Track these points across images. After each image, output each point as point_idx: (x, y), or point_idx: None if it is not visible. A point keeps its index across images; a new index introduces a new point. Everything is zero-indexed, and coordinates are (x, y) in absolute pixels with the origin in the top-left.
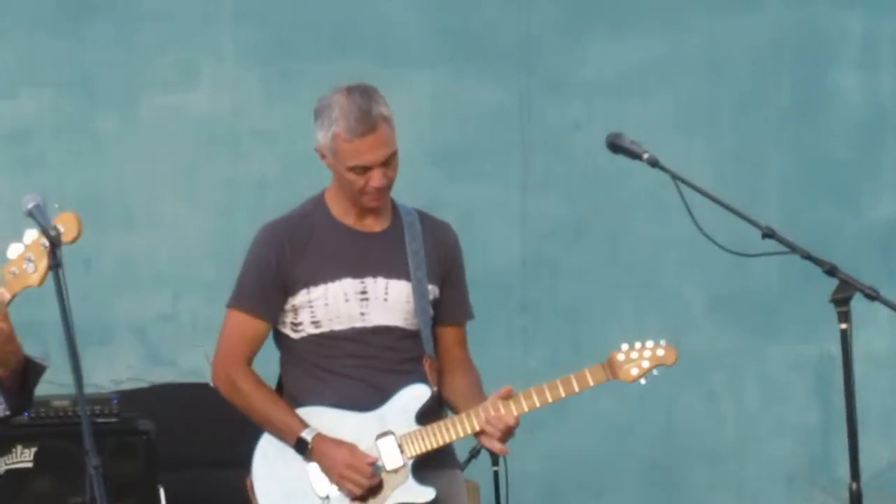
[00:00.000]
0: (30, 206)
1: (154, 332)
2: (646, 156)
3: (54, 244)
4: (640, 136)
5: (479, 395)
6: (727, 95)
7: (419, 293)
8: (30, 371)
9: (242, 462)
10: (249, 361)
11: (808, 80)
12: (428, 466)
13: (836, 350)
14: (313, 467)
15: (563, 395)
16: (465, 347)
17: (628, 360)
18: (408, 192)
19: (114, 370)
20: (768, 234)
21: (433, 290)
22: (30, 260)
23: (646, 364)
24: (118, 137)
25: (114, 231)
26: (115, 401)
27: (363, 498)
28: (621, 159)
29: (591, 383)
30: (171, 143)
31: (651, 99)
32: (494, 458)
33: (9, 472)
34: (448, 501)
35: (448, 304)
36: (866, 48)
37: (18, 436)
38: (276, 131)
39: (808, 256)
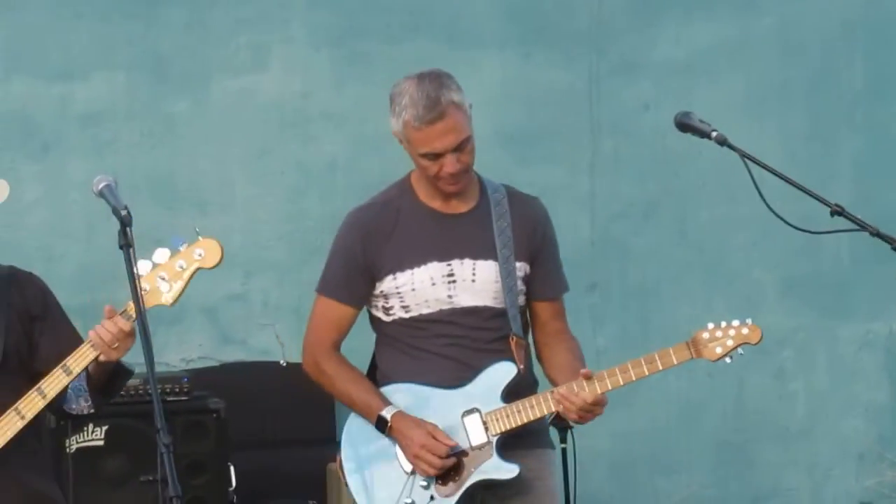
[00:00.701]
0: (101, 186)
1: (225, 312)
2: (714, 134)
3: (125, 224)
4: (710, 117)
5: (577, 370)
6: (798, 76)
7: (506, 272)
8: (119, 374)
9: (312, 441)
10: (337, 345)
11: (879, 60)
12: (519, 445)
13: None
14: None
15: (646, 373)
16: (563, 320)
17: (713, 339)
18: (479, 173)
19: (185, 349)
20: (837, 211)
21: (523, 268)
22: (163, 279)
23: (730, 343)
24: (190, 120)
25: (185, 212)
26: (186, 380)
27: (444, 476)
28: (690, 140)
29: (675, 362)
30: (242, 126)
31: (721, 80)
32: (562, 436)
33: (80, 450)
34: (537, 481)
35: (540, 280)
36: None
37: (90, 414)
38: (346, 113)
39: (877, 233)
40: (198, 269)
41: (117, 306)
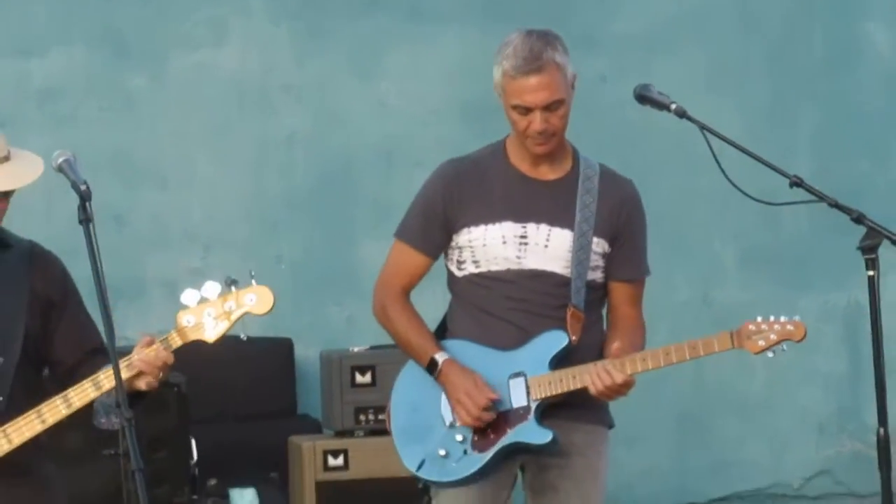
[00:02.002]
0: (60, 160)
1: (185, 287)
2: (673, 107)
3: (85, 199)
4: (669, 90)
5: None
6: (757, 49)
7: (580, 244)
8: (141, 401)
9: (273, 415)
10: (406, 291)
11: (839, 32)
12: (572, 418)
13: (864, 298)
14: (445, 397)
15: (687, 358)
16: (636, 306)
17: (758, 332)
18: (437, 148)
19: (145, 324)
20: (796, 182)
21: (600, 244)
22: (210, 315)
23: (773, 337)
24: (149, 95)
25: (145, 188)
26: None
27: (484, 430)
28: (649, 112)
29: (717, 349)
30: (201, 101)
31: (680, 53)
32: None
33: None
34: (579, 456)
35: (618, 259)
36: None
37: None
38: (306, 87)
39: (835, 205)
40: (246, 313)
41: (78, 282)
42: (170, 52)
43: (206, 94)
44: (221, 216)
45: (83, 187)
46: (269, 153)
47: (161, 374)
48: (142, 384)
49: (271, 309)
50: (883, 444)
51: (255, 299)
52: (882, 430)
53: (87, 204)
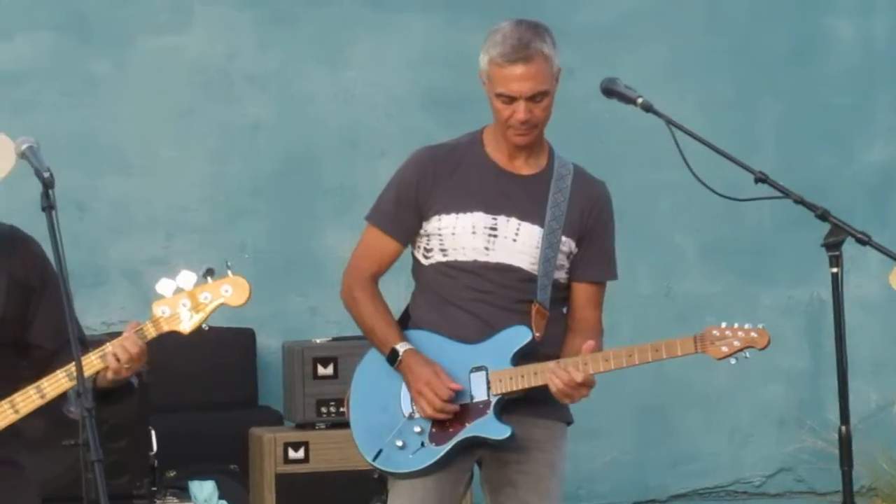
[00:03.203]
0: (23, 147)
1: (147, 275)
2: (640, 100)
3: (48, 186)
4: (634, 83)
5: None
6: (722, 42)
7: (549, 241)
8: (121, 391)
9: (234, 405)
10: (374, 277)
11: (803, 26)
12: (532, 413)
13: (827, 294)
14: (405, 388)
15: (649, 360)
16: (597, 310)
17: (721, 338)
18: (401, 136)
19: (106, 313)
20: (761, 178)
21: (568, 243)
22: (185, 306)
23: (737, 343)
24: (112, 81)
25: (107, 174)
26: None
27: (443, 422)
28: (615, 105)
29: (680, 353)
30: (164, 87)
31: (645, 46)
32: None
33: None
34: (538, 451)
35: (584, 260)
36: None
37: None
38: (270, 75)
39: (800, 201)
40: (222, 304)
41: None
42: (134, 38)
43: (169, 81)
44: (184, 204)
45: (46, 174)
46: (232, 140)
47: (130, 366)
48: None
49: (248, 300)
50: (845, 442)
51: (231, 290)
52: (844, 428)
53: (51, 191)
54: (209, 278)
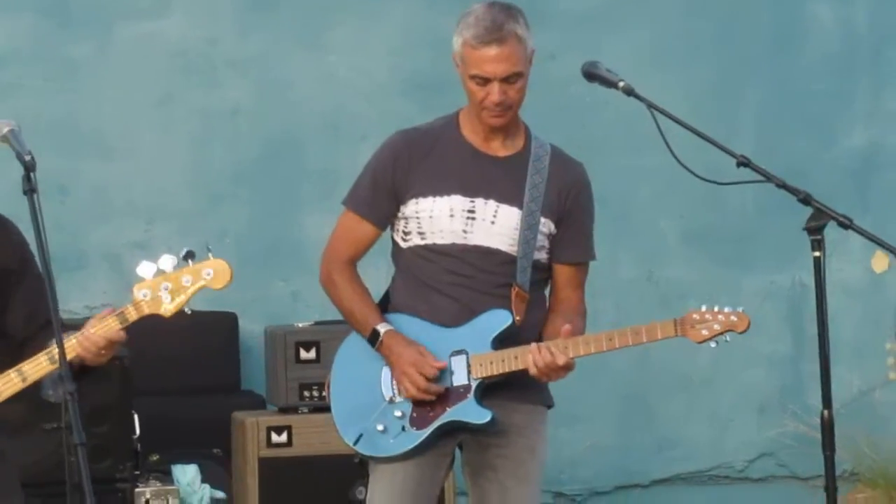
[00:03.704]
0: (4, 130)
1: (128, 259)
2: (621, 84)
3: (29, 169)
4: (616, 67)
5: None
6: (703, 27)
7: (528, 223)
8: (98, 370)
9: (217, 389)
10: (352, 261)
11: (784, 11)
12: (513, 398)
13: (809, 279)
14: (386, 372)
15: (630, 343)
16: (579, 290)
17: (702, 321)
18: (382, 120)
19: (88, 296)
20: (743, 162)
21: (547, 224)
22: (166, 289)
23: (717, 327)
24: (93, 65)
25: (88, 158)
26: None
27: (423, 406)
28: (596, 89)
29: (660, 337)
30: (145, 72)
31: (627, 30)
32: None
33: None
34: (518, 436)
35: (563, 242)
36: None
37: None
38: (251, 60)
39: (782, 185)
40: (203, 287)
41: None
42: (114, 22)
43: (150, 65)
44: (165, 188)
45: (27, 158)
46: (213, 125)
47: (105, 352)
48: (90, 358)
49: (229, 283)
50: (827, 426)
51: (213, 273)
52: (826, 413)
53: (32, 174)
54: (190, 261)
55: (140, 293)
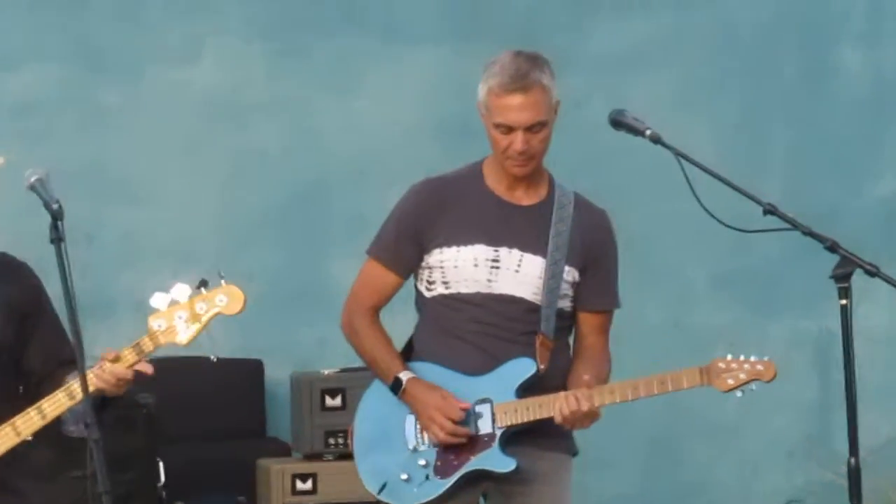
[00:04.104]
0: (32, 179)
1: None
2: (648, 132)
3: (56, 218)
4: (643, 111)
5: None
6: (731, 71)
7: (552, 272)
8: (115, 403)
9: (242, 436)
10: (375, 309)
11: (812, 55)
12: (537, 446)
13: (836, 326)
14: (410, 420)
15: (655, 392)
16: (603, 336)
17: (728, 370)
18: (410, 166)
19: (114, 343)
20: (770, 210)
21: (571, 272)
22: (181, 318)
23: (742, 376)
24: (122, 111)
25: (116, 205)
26: None
27: (447, 455)
28: (624, 136)
29: (686, 386)
30: (174, 118)
31: (654, 74)
32: None
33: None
34: (543, 485)
35: (588, 289)
36: (870, 22)
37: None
38: (279, 105)
39: (809, 233)
40: (218, 314)
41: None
42: (145, 68)
43: (179, 111)
44: (193, 233)
45: (55, 206)
46: (241, 171)
47: (126, 384)
48: (109, 389)
49: (242, 308)
50: (854, 474)
51: (226, 300)
52: (853, 460)
53: (59, 223)
54: (203, 289)
55: (155, 324)
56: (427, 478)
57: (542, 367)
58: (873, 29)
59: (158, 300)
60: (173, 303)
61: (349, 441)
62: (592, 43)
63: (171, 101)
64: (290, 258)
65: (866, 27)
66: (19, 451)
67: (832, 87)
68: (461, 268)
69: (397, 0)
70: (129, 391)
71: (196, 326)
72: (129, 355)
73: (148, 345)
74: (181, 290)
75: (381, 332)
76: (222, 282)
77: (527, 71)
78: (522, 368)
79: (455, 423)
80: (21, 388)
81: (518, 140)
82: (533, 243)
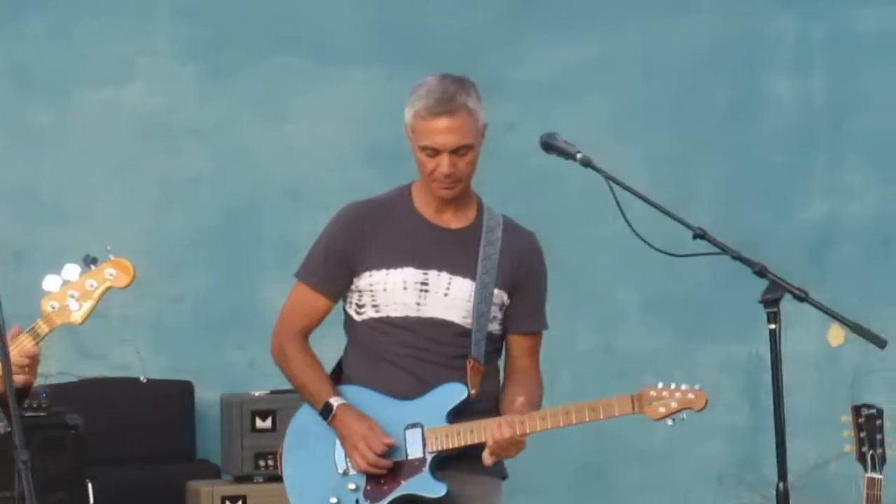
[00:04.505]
0: None
1: (84, 327)
2: (579, 156)
3: None
4: (574, 137)
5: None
6: (661, 98)
7: (481, 295)
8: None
9: (172, 458)
10: (304, 333)
11: (741, 83)
12: (466, 469)
13: (766, 351)
14: (339, 444)
15: (587, 419)
16: (534, 358)
17: (658, 398)
18: (342, 189)
19: (43, 364)
20: (699, 234)
21: (500, 295)
22: (73, 297)
23: (674, 405)
24: (53, 132)
25: (46, 225)
26: (45, 395)
27: (378, 479)
28: (554, 160)
29: (618, 413)
30: (105, 138)
31: (585, 101)
32: None
33: None
34: None
35: (517, 312)
36: (799, 51)
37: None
38: (211, 127)
39: (738, 257)
40: (108, 288)
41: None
42: (75, 89)
43: (109, 132)
44: (123, 255)
45: None
46: (172, 193)
47: (32, 369)
48: (18, 380)
49: (132, 280)
50: (783, 499)
51: (115, 273)
52: (782, 485)
53: None
54: (92, 266)
55: (48, 305)
56: (357, 502)
57: (472, 391)
58: (802, 57)
59: (50, 283)
60: (65, 283)
61: (277, 465)
62: (524, 68)
63: (101, 121)
64: (221, 280)
65: (795, 55)
66: None
67: (762, 114)
68: (390, 291)
69: (329, 23)
70: (57, 412)
71: (89, 304)
72: (25, 341)
73: (42, 327)
74: (71, 270)
75: (311, 355)
76: (110, 256)
77: (453, 94)
78: (453, 393)
79: (379, 455)
80: None
81: (444, 163)
82: (462, 266)
